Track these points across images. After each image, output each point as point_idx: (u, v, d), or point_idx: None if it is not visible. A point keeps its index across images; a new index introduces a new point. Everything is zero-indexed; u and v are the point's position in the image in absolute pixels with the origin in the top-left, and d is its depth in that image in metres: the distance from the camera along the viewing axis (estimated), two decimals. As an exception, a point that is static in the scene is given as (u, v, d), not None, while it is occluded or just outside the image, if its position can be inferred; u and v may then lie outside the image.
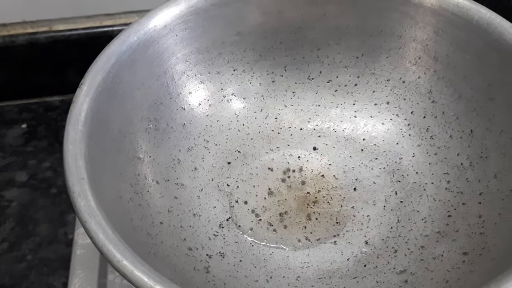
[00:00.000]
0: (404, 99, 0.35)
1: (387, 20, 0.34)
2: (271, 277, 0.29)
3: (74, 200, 0.23)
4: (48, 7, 0.46)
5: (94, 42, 0.47)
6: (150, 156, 0.31)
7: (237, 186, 0.33)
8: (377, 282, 0.28)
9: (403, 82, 0.35)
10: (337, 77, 0.36)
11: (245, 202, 0.33)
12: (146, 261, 0.23)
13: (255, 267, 0.29)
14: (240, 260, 0.30)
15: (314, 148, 0.35)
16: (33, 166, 0.45)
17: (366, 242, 0.30)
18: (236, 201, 0.33)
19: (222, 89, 0.36)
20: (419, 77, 0.34)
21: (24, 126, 0.49)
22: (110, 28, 0.48)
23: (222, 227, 0.31)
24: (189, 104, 0.34)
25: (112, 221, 0.23)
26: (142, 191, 0.30)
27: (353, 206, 0.32)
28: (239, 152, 0.35)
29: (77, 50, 0.48)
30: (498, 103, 0.30)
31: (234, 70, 0.36)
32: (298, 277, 0.29)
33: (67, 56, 0.49)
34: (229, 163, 0.34)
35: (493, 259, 0.25)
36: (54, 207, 0.43)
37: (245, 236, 0.31)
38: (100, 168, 0.26)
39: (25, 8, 0.46)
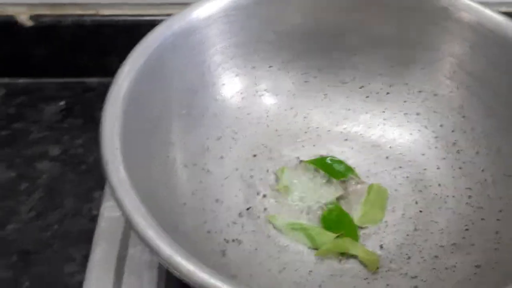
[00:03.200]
0: (435, 112, 0.35)
1: (427, 33, 0.34)
2: (284, 268, 0.30)
3: (107, 167, 0.24)
4: (97, -9, 0.48)
5: (138, 30, 0.48)
6: (181, 141, 0.32)
7: (260, 179, 0.34)
8: (387, 285, 0.28)
9: (435, 95, 0.35)
10: (369, 83, 0.37)
11: (265, 196, 0.33)
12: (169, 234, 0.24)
13: (270, 257, 0.30)
14: (256, 249, 0.30)
15: (341, 152, 0.36)
16: (67, 142, 0.47)
17: (381, 246, 0.31)
18: (257, 193, 0.33)
19: (255, 84, 0.36)
20: (451, 91, 0.34)
21: (62, 103, 0.50)
22: (154, 18, 0.49)
23: (242, 216, 0.32)
24: (222, 95, 0.35)
25: (140, 193, 0.24)
26: (170, 172, 0.31)
27: (371, 210, 0.33)
28: (265, 146, 0.36)
29: (120, 36, 0.50)
30: (528, 123, 0.30)
31: (270, 66, 0.37)
32: (310, 271, 0.30)
33: (110, 41, 0.50)
34: (254, 155, 0.35)
35: (505, 273, 0.25)
36: (81, 183, 0.44)
37: (263, 227, 0.32)
38: (133, 146, 0.27)
39: (75, -10, 0.48)
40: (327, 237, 0.30)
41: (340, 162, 0.33)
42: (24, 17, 0.49)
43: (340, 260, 0.30)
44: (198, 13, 0.33)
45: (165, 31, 0.31)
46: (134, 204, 0.23)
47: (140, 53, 0.30)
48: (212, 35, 0.34)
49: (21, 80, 0.52)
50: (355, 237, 0.30)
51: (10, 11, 0.48)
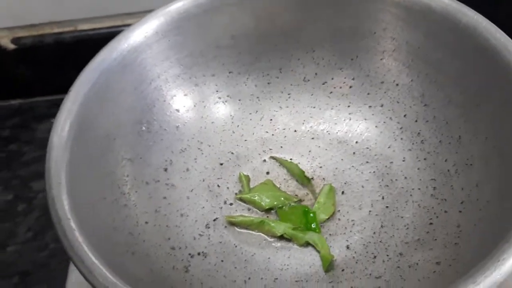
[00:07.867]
0: (398, 102, 0.34)
1: (380, 22, 0.33)
2: (249, 278, 0.30)
3: (50, 204, 0.25)
4: (73, 7, 0.48)
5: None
6: (141, 158, 0.33)
7: (227, 188, 0.34)
8: (351, 287, 0.28)
9: (397, 84, 0.34)
10: (332, 78, 0.36)
11: (231, 204, 0.33)
12: (118, 261, 0.24)
13: (236, 267, 0.30)
14: (222, 261, 0.31)
15: (308, 151, 0.35)
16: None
17: (348, 247, 0.31)
18: (225, 202, 0.34)
19: (217, 91, 0.36)
20: (412, 80, 0.33)
21: (53, 120, 0.51)
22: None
23: (208, 227, 0.32)
24: (184, 106, 0.35)
25: (86, 223, 0.25)
26: (130, 191, 0.31)
27: (339, 210, 0.32)
28: (232, 153, 0.36)
29: (100, 48, 0.50)
30: (484, 110, 0.29)
31: (230, 72, 0.36)
32: (276, 279, 0.30)
33: (91, 54, 0.51)
34: (221, 164, 0.35)
35: (457, 272, 0.25)
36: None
37: (230, 236, 0.32)
38: (83, 172, 0.28)
39: (52, 9, 0.48)
40: (284, 227, 0.31)
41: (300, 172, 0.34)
42: (6, 41, 0.50)
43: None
44: (145, 30, 0.33)
45: (110, 54, 0.31)
46: (75, 240, 0.23)
47: (86, 78, 0.30)
48: (164, 48, 0.34)
49: (13, 102, 0.53)
50: (317, 229, 0.31)
51: (-9, 36, 0.49)
